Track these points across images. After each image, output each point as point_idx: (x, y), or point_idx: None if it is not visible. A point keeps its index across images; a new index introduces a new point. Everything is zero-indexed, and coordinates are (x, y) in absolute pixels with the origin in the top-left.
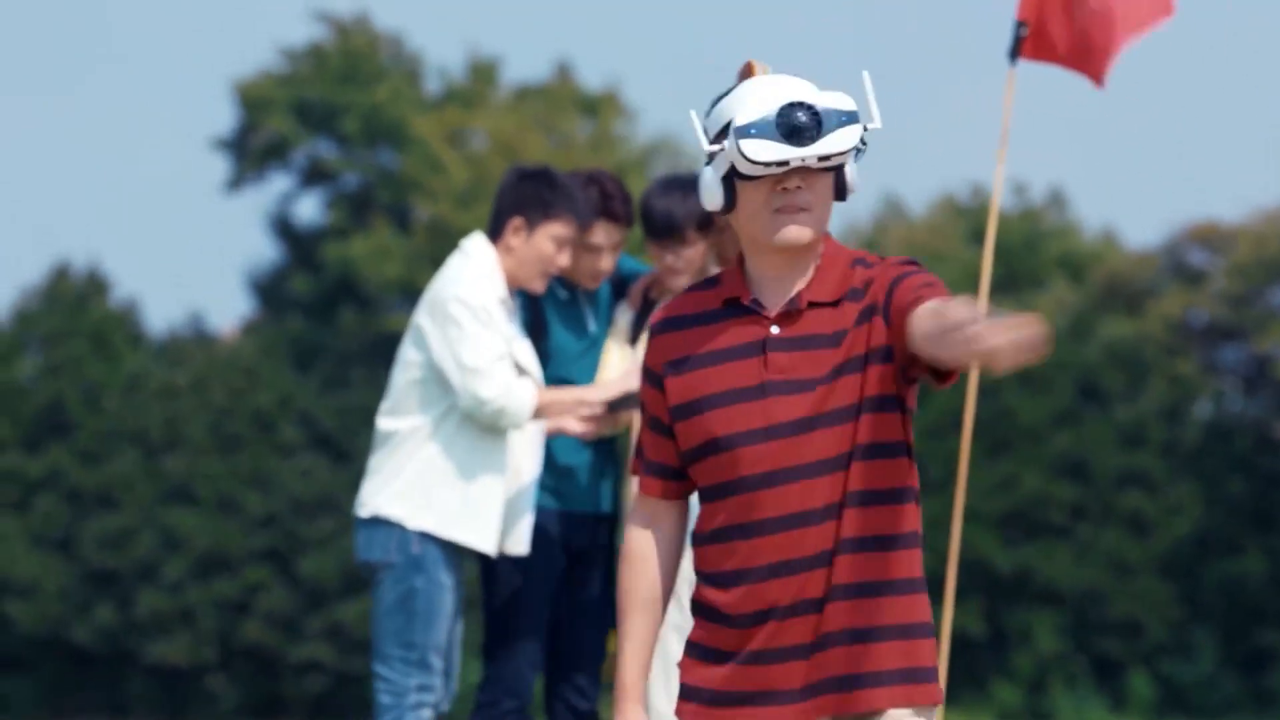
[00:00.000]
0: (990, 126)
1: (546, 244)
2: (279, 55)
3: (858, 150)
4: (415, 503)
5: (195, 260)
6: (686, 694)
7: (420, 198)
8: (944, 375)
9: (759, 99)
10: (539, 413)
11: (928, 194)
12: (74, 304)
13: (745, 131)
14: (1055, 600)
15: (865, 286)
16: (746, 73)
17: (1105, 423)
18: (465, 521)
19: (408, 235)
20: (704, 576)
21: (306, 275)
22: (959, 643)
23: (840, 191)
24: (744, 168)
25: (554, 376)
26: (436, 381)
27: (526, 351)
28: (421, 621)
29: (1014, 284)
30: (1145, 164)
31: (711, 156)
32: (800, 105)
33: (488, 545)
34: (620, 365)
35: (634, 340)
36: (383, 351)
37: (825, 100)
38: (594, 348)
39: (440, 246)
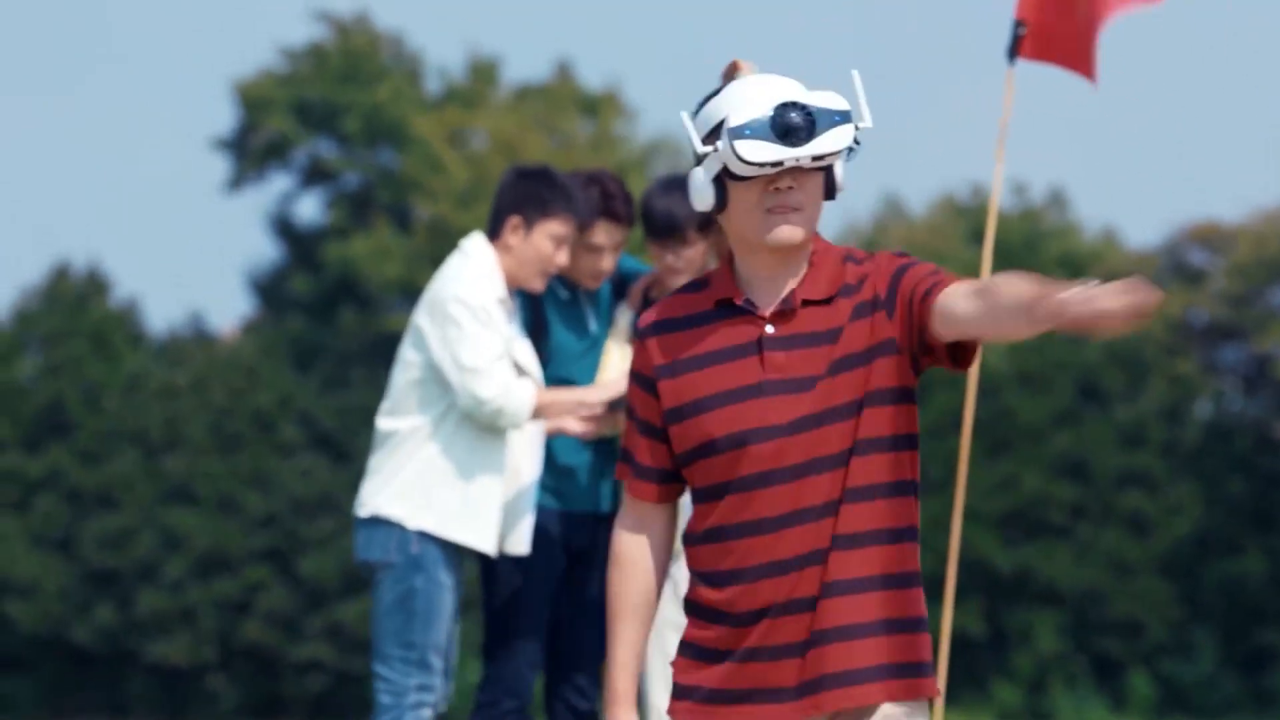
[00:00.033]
0: (990, 126)
1: (545, 243)
2: (279, 55)
3: (850, 150)
4: (415, 502)
5: (195, 260)
6: (680, 693)
7: (420, 198)
8: (961, 360)
9: (751, 99)
10: (538, 413)
11: (928, 194)
12: (74, 304)
13: (739, 132)
14: (1055, 600)
15: (859, 282)
16: (731, 72)
17: (1105, 423)
18: (465, 521)
19: (408, 235)
20: (698, 575)
21: (307, 275)
22: (959, 643)
23: (830, 190)
24: (737, 168)
25: (554, 376)
26: (436, 381)
27: (526, 351)
28: (421, 621)
29: None
30: (1145, 164)
31: (701, 157)
32: (794, 105)
33: (487, 545)
34: (621, 365)
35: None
36: (383, 351)
37: (817, 100)
38: (595, 348)
39: (440, 246)
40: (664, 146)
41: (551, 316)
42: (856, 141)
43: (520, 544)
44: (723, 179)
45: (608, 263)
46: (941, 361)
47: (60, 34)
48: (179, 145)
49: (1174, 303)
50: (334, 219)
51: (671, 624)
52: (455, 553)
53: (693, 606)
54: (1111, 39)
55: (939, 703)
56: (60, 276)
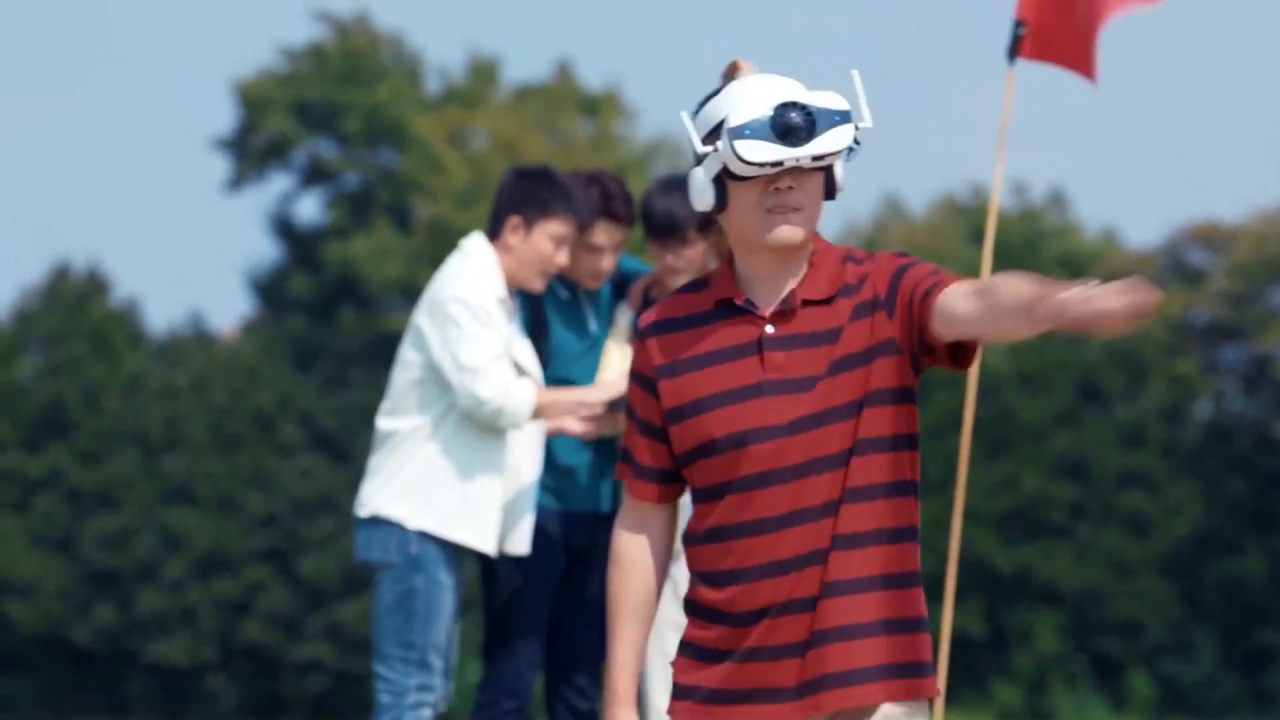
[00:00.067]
0: (990, 126)
1: (545, 242)
2: (279, 55)
3: (850, 150)
4: (415, 502)
5: (195, 260)
6: (680, 693)
7: (420, 198)
8: (961, 360)
9: (751, 99)
10: (538, 413)
11: (928, 194)
12: (74, 304)
13: (739, 132)
14: (1055, 600)
15: (859, 282)
16: (731, 72)
17: (1105, 423)
18: (465, 521)
19: (408, 235)
20: (698, 575)
21: (307, 275)
22: (959, 643)
23: (829, 190)
24: (738, 168)
25: (555, 376)
26: (436, 381)
27: (526, 351)
28: (421, 621)
29: None
30: (1145, 164)
31: (701, 157)
32: (794, 105)
33: (487, 545)
34: (621, 365)
35: None
36: (383, 351)
37: (817, 100)
38: (595, 348)
39: (440, 246)
40: (664, 146)
41: (551, 316)
42: (856, 141)
43: (520, 544)
44: (723, 179)
45: (608, 263)
46: (941, 361)
47: (60, 34)
48: (179, 145)
49: (1174, 303)
50: (334, 219)
51: (671, 624)
52: (455, 553)
53: (693, 606)
54: (1111, 39)
55: (939, 703)
56: (60, 276)
